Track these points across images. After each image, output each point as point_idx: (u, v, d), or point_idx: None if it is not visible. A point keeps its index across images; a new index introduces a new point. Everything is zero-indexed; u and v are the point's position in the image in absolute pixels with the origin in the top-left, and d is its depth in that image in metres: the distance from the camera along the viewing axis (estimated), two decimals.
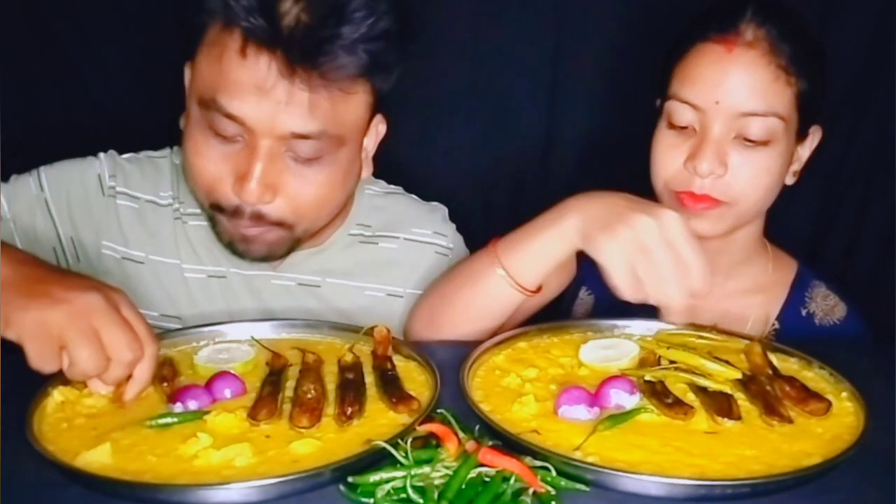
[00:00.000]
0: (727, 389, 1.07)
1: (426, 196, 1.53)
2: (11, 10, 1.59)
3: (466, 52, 1.67)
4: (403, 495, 0.87)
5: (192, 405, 1.02)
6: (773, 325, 1.40)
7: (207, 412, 1.00)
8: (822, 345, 1.20)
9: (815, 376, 1.13)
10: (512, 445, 0.94)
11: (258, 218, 1.22)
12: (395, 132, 1.37)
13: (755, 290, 1.41)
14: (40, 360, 0.95)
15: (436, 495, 0.86)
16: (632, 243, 1.09)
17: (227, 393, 1.06)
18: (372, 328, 1.18)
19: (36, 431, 0.96)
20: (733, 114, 1.22)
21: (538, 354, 1.19)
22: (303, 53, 1.12)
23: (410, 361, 1.15)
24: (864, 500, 0.92)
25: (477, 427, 0.98)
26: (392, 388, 1.06)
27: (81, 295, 0.97)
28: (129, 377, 1.01)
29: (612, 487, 0.90)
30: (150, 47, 1.61)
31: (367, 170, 1.35)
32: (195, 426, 0.98)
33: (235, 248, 1.28)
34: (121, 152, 1.41)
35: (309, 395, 1.03)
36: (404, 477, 0.88)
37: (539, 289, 1.26)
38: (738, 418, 1.01)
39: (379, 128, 1.33)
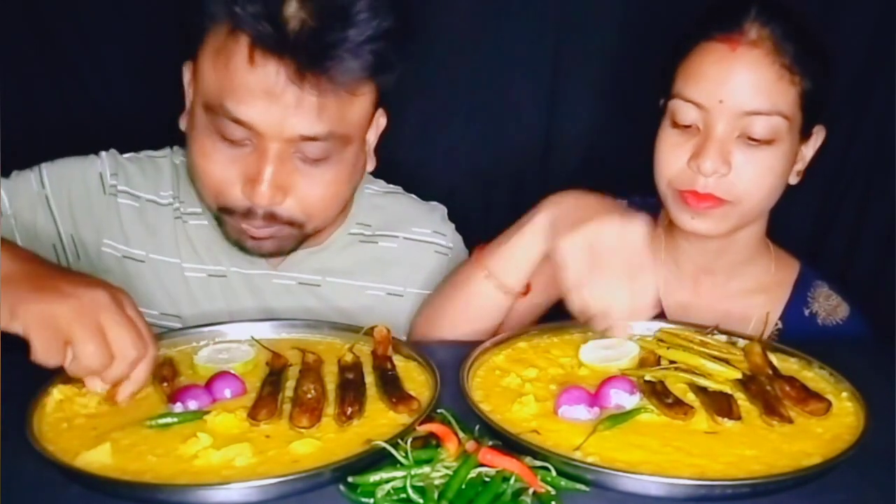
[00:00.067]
0: (727, 389, 1.07)
1: (426, 195, 1.53)
2: (11, 10, 1.59)
3: (466, 52, 1.67)
4: (403, 495, 0.87)
5: (192, 405, 1.02)
6: (777, 325, 1.40)
7: (207, 412, 1.00)
8: (821, 345, 1.20)
9: (815, 376, 1.13)
10: (512, 445, 0.94)
11: (271, 218, 1.23)
12: (395, 132, 1.37)
13: (758, 290, 1.41)
14: (45, 353, 0.95)
15: (436, 495, 0.86)
16: (590, 244, 1.10)
17: (227, 393, 1.06)
18: (372, 328, 1.18)
19: (36, 431, 0.96)
20: (737, 113, 1.22)
21: (538, 354, 1.19)
22: (311, 59, 1.12)
23: (410, 361, 1.15)
24: (864, 500, 0.92)
25: (477, 427, 0.98)
26: (392, 388, 1.06)
27: (89, 291, 0.98)
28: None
29: (612, 487, 0.90)
30: (150, 47, 1.61)
31: (371, 163, 1.36)
32: (195, 426, 0.98)
33: (244, 245, 1.28)
34: (121, 152, 1.41)
35: (309, 395, 1.03)
36: (404, 477, 0.88)
37: (528, 289, 1.26)
38: (738, 418, 1.01)
39: (380, 121, 1.34)
